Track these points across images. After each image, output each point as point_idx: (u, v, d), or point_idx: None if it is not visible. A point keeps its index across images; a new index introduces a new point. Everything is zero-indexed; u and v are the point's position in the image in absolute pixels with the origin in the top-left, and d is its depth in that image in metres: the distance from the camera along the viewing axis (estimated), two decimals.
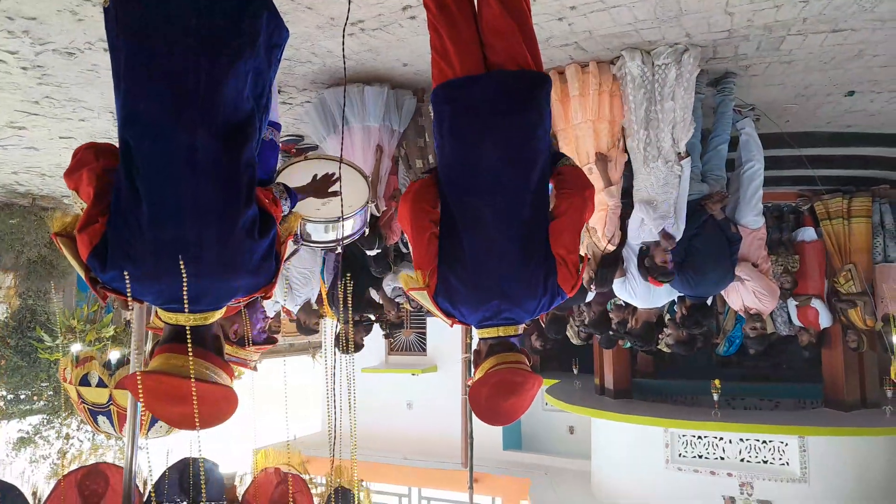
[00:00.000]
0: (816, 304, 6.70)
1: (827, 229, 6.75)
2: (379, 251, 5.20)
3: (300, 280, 5.45)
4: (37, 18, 3.41)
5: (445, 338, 11.52)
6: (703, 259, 4.15)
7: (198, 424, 1.62)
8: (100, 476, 3.35)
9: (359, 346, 5.93)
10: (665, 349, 5.22)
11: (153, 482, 3.55)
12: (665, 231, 4.23)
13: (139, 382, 1.61)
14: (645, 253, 4.32)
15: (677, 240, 4.19)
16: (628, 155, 4.26)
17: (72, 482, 3.41)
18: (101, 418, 5.31)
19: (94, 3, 3.24)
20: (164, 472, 3.48)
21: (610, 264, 4.65)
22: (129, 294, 1.63)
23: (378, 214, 4.81)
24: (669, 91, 3.98)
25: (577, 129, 4.23)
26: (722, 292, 4.77)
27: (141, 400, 1.60)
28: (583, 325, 5.91)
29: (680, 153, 4.05)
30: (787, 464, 7.53)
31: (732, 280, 4.35)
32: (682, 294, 4.55)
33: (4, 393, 8.99)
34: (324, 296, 6.28)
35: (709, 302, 4.72)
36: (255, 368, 3.03)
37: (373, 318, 6.28)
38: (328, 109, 4.57)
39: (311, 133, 4.95)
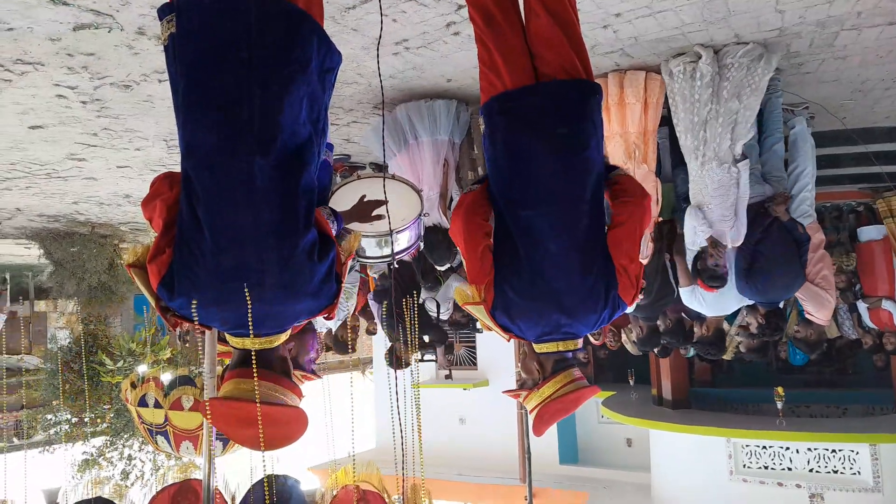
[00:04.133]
0: (888, 305, 6.43)
1: (890, 227, 6.49)
2: (450, 265, 5.19)
3: (344, 295, 5.49)
4: (95, 54, 3.54)
5: (496, 352, 11.45)
6: (770, 264, 3.99)
7: (263, 445, 1.66)
8: (191, 492, 3.42)
9: (406, 364, 5.94)
10: (727, 357, 5.07)
11: (240, 499, 3.61)
12: (712, 238, 4.11)
13: (210, 409, 1.66)
14: (699, 257, 4.20)
15: (735, 245, 4.07)
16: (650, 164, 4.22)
17: (165, 498, 3.49)
18: (159, 438, 5.43)
19: (150, 37, 3.35)
20: (250, 488, 3.54)
21: (649, 274, 4.57)
22: (195, 320, 1.67)
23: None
24: (735, 91, 3.85)
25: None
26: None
27: (214, 426, 1.64)
28: (657, 333, 5.78)
29: (736, 156, 3.93)
30: (859, 473, 7.22)
31: (804, 283, 4.19)
32: (752, 302, 4.40)
33: (69, 416, 9.28)
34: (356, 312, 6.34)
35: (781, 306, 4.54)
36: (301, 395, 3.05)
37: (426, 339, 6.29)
38: (399, 125, 4.60)
39: (377, 150, 4.99)
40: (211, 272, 1.65)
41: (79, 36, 3.30)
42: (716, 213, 4.02)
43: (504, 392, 2.34)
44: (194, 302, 1.65)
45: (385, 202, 2.67)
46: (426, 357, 7.30)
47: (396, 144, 4.65)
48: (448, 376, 8.17)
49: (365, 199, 2.72)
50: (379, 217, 2.70)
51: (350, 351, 6.74)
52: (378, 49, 2.52)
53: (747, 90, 3.85)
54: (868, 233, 6.78)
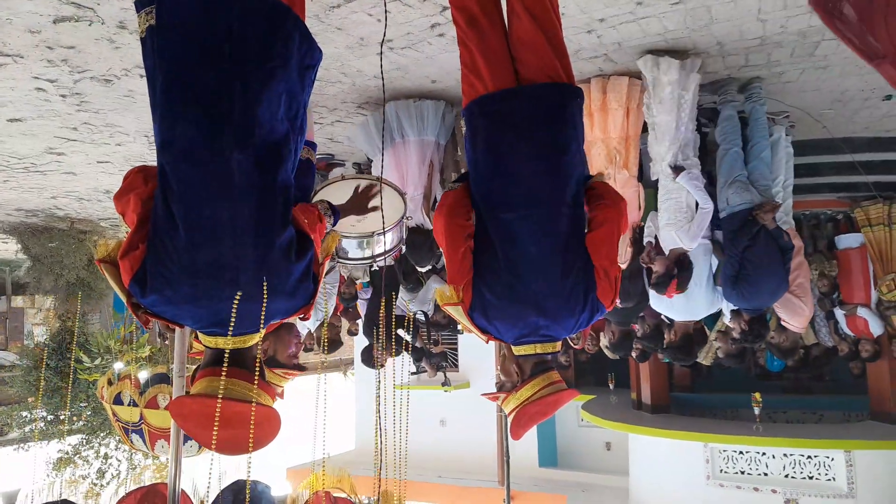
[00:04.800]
0: (863, 312, 6.51)
1: (868, 236, 6.56)
2: (430, 268, 5.19)
3: (322, 295, 5.48)
4: (75, 47, 3.49)
5: (477, 354, 11.45)
6: (757, 271, 4.03)
7: (251, 446, 1.63)
8: (158, 496, 3.35)
9: (381, 365, 5.93)
10: (706, 363, 5.08)
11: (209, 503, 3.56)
12: (648, 242, 4.27)
13: (180, 406, 1.62)
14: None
15: (689, 249, 4.12)
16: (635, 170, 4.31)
17: (131, 502, 3.43)
18: (134, 436, 5.37)
19: (131, 31, 3.31)
20: (219, 493, 3.48)
21: (629, 278, 4.61)
22: (167, 317, 1.64)
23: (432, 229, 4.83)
24: (659, 105, 3.97)
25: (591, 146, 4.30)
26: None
27: (185, 425, 1.60)
28: (629, 338, 5.81)
29: (665, 173, 4.04)
30: (834, 479, 7.29)
31: (787, 290, 4.24)
32: (737, 308, 4.44)
33: (45, 414, 9.15)
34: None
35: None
36: (281, 395, 3.01)
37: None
38: (387, 123, 4.59)
39: (365, 147, 4.98)
40: (185, 269, 1.62)
41: (59, 28, 3.26)
42: (663, 217, 4.13)
43: (483, 395, 2.34)
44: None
45: (380, 189, 2.67)
46: (420, 368, 7.39)
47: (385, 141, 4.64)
48: (445, 383, 8.28)
49: (360, 190, 2.71)
50: (374, 209, 2.69)
51: (329, 350, 6.74)
52: (382, 45, 2.52)
53: (667, 105, 3.92)
54: (846, 241, 6.86)
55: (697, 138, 4.14)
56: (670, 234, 4.09)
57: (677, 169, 3.98)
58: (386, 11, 2.40)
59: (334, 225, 2.08)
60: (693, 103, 3.96)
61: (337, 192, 2.98)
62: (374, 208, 2.68)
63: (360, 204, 2.67)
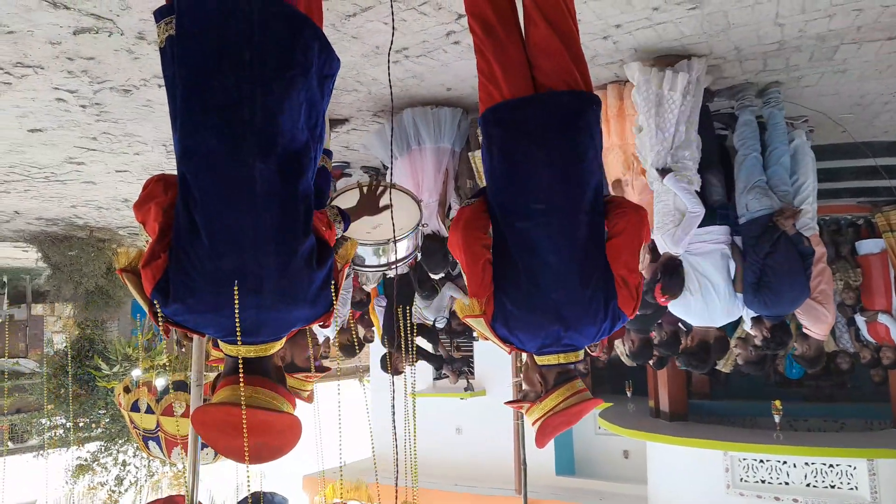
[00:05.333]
0: (884, 319, 6.43)
1: (889, 241, 6.49)
2: (443, 275, 5.18)
3: (340, 301, 5.49)
4: (95, 58, 3.53)
5: (493, 361, 11.40)
6: (778, 278, 3.98)
7: (271, 455, 1.64)
8: None
9: (399, 372, 5.94)
10: (725, 370, 5.01)
11: None
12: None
13: (204, 414, 1.63)
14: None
15: (675, 253, 4.07)
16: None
17: None
18: (151, 443, 5.41)
19: (150, 42, 3.35)
20: None
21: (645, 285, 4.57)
22: (189, 326, 1.65)
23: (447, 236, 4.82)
24: (638, 106, 3.96)
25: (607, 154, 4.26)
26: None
27: (208, 434, 1.59)
28: (649, 346, 5.76)
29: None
30: (856, 488, 7.18)
31: (808, 295, 4.18)
32: (758, 315, 4.38)
33: (64, 421, 9.23)
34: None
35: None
36: (310, 399, 3.00)
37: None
38: (404, 130, 4.59)
39: (381, 154, 4.99)
40: (208, 277, 1.62)
41: (79, 40, 3.30)
42: (656, 220, 4.06)
43: (506, 403, 2.33)
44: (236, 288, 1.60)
45: (389, 193, 2.66)
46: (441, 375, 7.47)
47: (399, 149, 4.64)
48: (468, 388, 8.33)
49: (367, 191, 2.70)
50: (386, 208, 2.68)
51: (358, 351, 6.80)
52: (389, 54, 2.52)
53: (644, 104, 3.89)
54: (866, 246, 6.78)
55: (698, 140, 4.05)
56: (658, 239, 4.05)
57: (664, 171, 3.93)
58: (393, 19, 2.39)
59: (345, 230, 2.07)
60: (682, 104, 3.85)
61: (350, 198, 2.99)
62: (386, 207, 2.66)
63: (370, 204, 2.65)
